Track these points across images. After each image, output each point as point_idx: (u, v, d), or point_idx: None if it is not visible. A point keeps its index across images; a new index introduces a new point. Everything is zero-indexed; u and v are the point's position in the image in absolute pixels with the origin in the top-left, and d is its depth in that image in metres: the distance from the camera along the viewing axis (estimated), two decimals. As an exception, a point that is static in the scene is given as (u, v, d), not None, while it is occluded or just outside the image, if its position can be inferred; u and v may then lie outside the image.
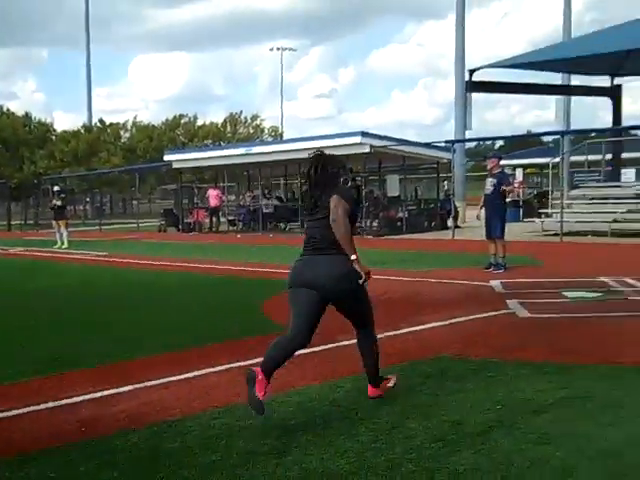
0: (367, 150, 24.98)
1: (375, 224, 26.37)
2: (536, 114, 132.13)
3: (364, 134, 25.84)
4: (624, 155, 28.93)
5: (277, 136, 70.58)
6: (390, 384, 5.77)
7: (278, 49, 69.65)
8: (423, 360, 6.89)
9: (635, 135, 37.77)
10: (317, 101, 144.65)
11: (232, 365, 6.94)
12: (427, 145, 28.57)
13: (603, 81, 29.89)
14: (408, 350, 7.36)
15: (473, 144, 74.86)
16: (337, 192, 5.34)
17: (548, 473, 4.17)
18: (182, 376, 6.56)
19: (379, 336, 7.63)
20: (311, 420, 5.24)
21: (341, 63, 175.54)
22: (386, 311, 9.74)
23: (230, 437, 4.94)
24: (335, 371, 6.64)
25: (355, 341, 5.91)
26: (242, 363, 6.91)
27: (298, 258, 5.57)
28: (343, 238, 5.21)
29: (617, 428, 4.87)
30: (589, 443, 4.59)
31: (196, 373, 6.69)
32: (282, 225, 30.84)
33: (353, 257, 5.21)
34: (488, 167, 14.12)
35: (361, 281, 5.25)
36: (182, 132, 68.20)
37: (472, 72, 27.14)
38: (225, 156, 32.65)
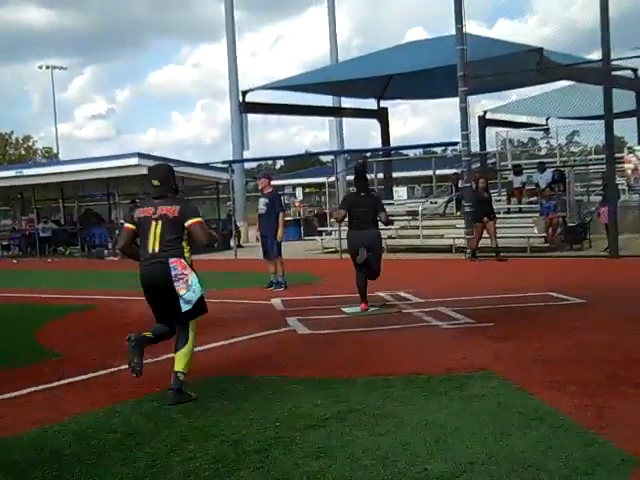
0: (144, 172, 24.53)
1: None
2: (314, 134, 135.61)
3: (141, 155, 25.48)
4: (395, 174, 30.30)
5: (51, 157, 68.14)
6: None
7: (47, 67, 66.85)
8: (203, 381, 6.83)
9: (405, 155, 39.74)
10: (94, 122, 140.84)
11: (1, 397, 6.59)
12: (205, 166, 28.58)
13: (371, 104, 31.17)
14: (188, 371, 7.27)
15: (255, 164, 75.93)
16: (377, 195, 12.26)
17: (325, 486, 4.24)
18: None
19: (158, 359, 7.58)
20: (86, 449, 5.06)
21: (117, 83, 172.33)
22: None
23: (-2, 473, 4.68)
24: (114, 395, 6.46)
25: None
26: (12, 394, 6.61)
27: (349, 231, 10.89)
28: (389, 222, 11.32)
29: (390, 437, 5.04)
30: (364, 453, 4.72)
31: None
32: (62, 249, 29.75)
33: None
34: (259, 187, 14.31)
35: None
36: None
37: (245, 93, 27.54)
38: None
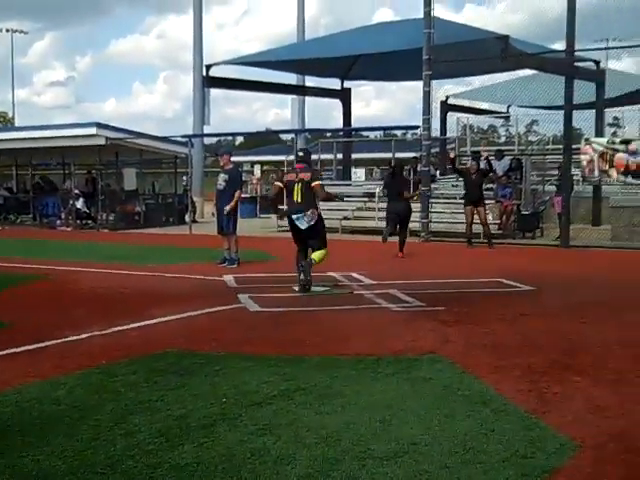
0: (102, 142, 24.31)
1: (111, 218, 25.79)
2: (276, 112, 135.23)
3: (99, 125, 25.15)
4: (354, 156, 30.31)
5: (7, 122, 67.05)
6: None
7: (7, 31, 65.58)
8: (150, 355, 6.80)
9: (366, 137, 39.76)
10: (53, 89, 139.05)
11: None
12: (164, 139, 28.32)
13: (335, 83, 31.13)
14: (136, 345, 7.24)
15: (214, 140, 75.47)
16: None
17: (267, 462, 4.25)
18: None
19: (107, 331, 7.53)
20: (29, 420, 5.01)
21: (79, 51, 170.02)
22: (118, 306, 9.59)
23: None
24: (59, 367, 6.40)
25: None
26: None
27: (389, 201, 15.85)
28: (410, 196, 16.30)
29: (336, 416, 5.07)
30: (308, 432, 4.74)
31: None
32: (12, 217, 29.32)
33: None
34: (221, 163, 14.22)
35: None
36: None
37: (208, 67, 27.32)
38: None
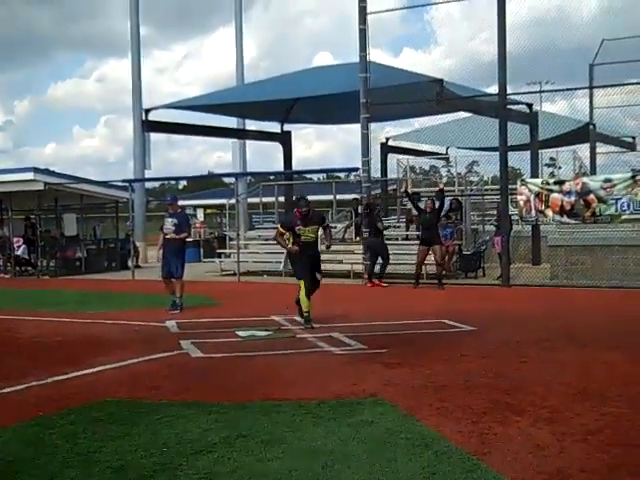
0: (41, 187, 24.02)
1: (52, 264, 25.41)
2: (219, 155, 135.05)
3: (37, 170, 24.88)
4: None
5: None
6: None
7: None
8: (89, 404, 6.70)
9: (308, 179, 39.97)
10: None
11: None
12: (105, 184, 28.10)
13: (275, 127, 31.28)
14: (75, 395, 7.12)
15: (158, 183, 75.00)
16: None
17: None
18: None
19: (45, 381, 7.39)
20: (-39, 476, 4.89)
21: (16, 95, 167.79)
22: (56, 355, 9.43)
23: None
24: (-7, 421, 6.26)
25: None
26: None
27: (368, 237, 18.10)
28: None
29: (278, 463, 5.03)
30: (251, 479, 4.71)
31: None
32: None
33: None
34: (170, 211, 14.14)
35: None
36: None
37: (147, 111, 27.27)
38: None
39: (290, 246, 11.66)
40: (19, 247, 25.42)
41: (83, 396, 7.08)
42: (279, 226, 12.16)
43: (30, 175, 24.41)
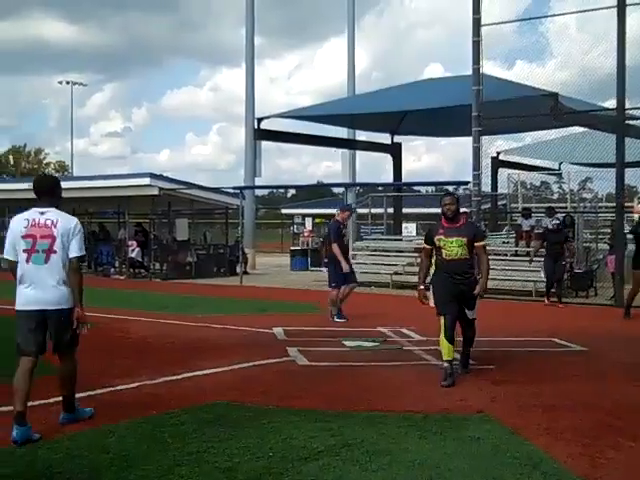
0: (155, 192, 24.72)
1: (163, 268, 26.06)
2: (327, 165, 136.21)
3: (152, 176, 25.61)
4: (405, 210, 30.32)
5: (63, 171, 68.76)
6: None
7: (67, 82, 67.54)
8: (200, 406, 6.85)
9: (417, 191, 39.81)
10: (109, 139, 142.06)
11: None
12: (216, 190, 28.68)
13: (385, 138, 31.29)
14: (186, 396, 7.30)
15: (266, 191, 76.20)
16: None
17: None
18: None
19: (157, 381, 7.59)
20: (78, 467, 5.08)
21: (135, 102, 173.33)
22: (167, 356, 9.67)
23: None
24: (109, 415, 6.48)
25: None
26: (7, 408, 6.61)
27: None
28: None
29: (382, 474, 5.04)
30: (355, 489, 4.74)
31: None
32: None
33: None
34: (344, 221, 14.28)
35: None
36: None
37: (260, 120, 27.68)
38: (6, 190, 31.22)
39: (420, 283, 8.77)
40: (133, 250, 26.15)
41: (192, 397, 7.25)
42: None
43: (146, 180, 25.17)
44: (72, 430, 5.98)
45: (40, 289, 5.99)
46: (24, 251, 6.06)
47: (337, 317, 13.32)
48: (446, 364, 8.12)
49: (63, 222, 6.18)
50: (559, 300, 16.84)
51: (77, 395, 6.41)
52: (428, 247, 8.45)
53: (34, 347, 5.96)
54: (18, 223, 6.16)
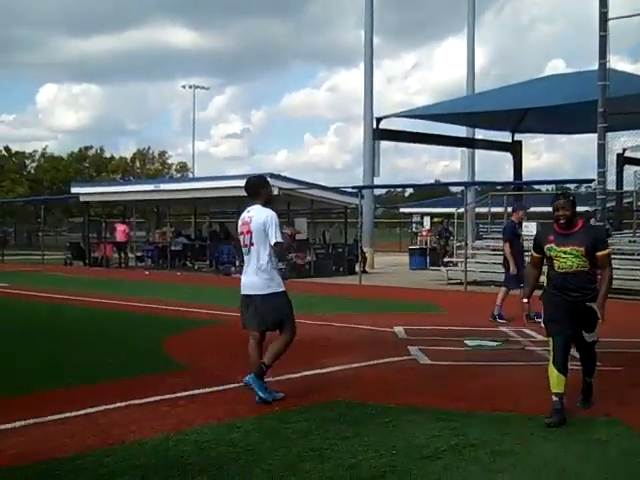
0: (275, 192, 25.02)
1: (282, 266, 26.36)
2: (445, 164, 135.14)
3: (272, 176, 25.91)
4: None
5: (185, 172, 70.71)
6: None
7: (190, 87, 69.56)
8: (322, 403, 6.94)
9: (538, 190, 38.98)
10: (229, 141, 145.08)
11: (127, 403, 6.88)
12: (335, 190, 28.85)
13: (505, 136, 30.79)
14: (309, 393, 7.40)
15: (384, 191, 76.09)
16: None
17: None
18: (77, 412, 6.48)
19: (279, 378, 7.71)
20: (207, 460, 5.23)
21: (254, 104, 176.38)
22: (291, 354, 9.77)
23: (123, 475, 4.90)
24: (235, 410, 6.65)
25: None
26: (138, 401, 6.89)
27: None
28: None
29: (507, 475, 5.00)
30: (479, 489, 4.70)
31: (91, 410, 6.59)
32: (190, 264, 30.64)
33: None
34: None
35: None
36: (89, 165, 67.89)
37: (379, 120, 27.64)
38: (133, 191, 32.32)
39: (524, 296, 7.49)
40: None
41: (315, 395, 7.34)
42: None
43: (266, 180, 25.48)
44: (198, 424, 6.16)
45: None
46: None
47: (497, 318, 13.15)
48: (555, 398, 6.53)
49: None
50: None
51: (205, 389, 6.61)
52: (537, 256, 7.06)
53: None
54: None
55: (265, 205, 7.20)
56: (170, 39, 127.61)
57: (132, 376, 8.32)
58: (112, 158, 71.67)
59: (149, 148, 75.78)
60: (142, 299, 16.69)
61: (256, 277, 7.07)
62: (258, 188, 7.31)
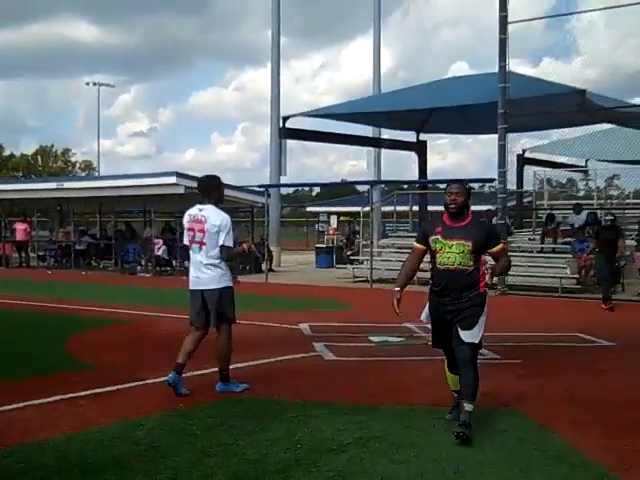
0: (182, 191, 24.81)
1: (187, 264, 26.15)
2: (352, 164, 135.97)
3: (179, 175, 25.68)
4: (430, 207, 30.25)
5: (90, 170, 69.50)
6: None
7: (95, 84, 68.23)
8: (227, 399, 6.92)
9: (442, 189, 39.68)
10: (135, 139, 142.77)
11: (27, 403, 6.73)
12: (241, 188, 28.72)
13: (410, 136, 31.20)
14: (214, 389, 7.35)
15: (291, 190, 76.26)
16: None
17: (341, 509, 4.28)
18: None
19: (185, 375, 7.66)
20: (110, 458, 5.16)
21: (161, 103, 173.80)
22: (198, 351, 9.72)
23: (22, 476, 4.80)
24: (139, 408, 6.58)
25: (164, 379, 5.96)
26: (39, 401, 6.75)
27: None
28: None
29: (409, 466, 5.08)
30: (382, 481, 4.77)
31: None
32: (95, 263, 30.11)
33: None
34: None
35: None
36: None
37: (285, 119, 27.68)
38: (35, 189, 31.56)
39: (395, 285, 6.89)
40: (159, 248, 26.28)
41: (222, 391, 7.31)
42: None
43: (172, 179, 25.25)
44: (102, 422, 6.07)
45: None
46: None
47: None
48: (455, 394, 6.41)
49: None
50: (604, 301, 16.10)
51: (110, 388, 6.52)
52: (419, 247, 6.47)
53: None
54: None
55: (216, 205, 7.37)
56: (74, 35, 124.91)
57: (33, 376, 8.13)
58: (12, 156, 69.90)
59: (52, 146, 74.24)
60: (46, 299, 16.30)
61: (205, 272, 7.30)
62: (210, 188, 7.47)
